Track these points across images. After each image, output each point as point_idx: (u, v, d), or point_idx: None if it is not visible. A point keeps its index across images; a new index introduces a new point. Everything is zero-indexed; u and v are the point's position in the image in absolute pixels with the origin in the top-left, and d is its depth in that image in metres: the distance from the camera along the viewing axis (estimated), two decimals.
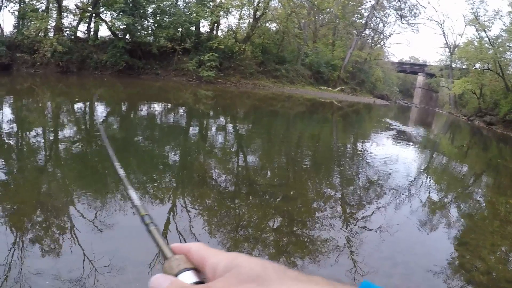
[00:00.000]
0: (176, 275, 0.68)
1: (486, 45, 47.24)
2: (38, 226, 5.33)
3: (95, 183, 7.21)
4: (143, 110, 16.57)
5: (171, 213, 6.28)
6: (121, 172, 1.13)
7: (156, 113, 16.46)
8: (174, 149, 10.71)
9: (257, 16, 39.65)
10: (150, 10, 33.86)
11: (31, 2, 31.64)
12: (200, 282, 0.67)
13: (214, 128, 15.45)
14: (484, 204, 11.11)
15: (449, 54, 66.48)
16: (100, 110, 16.00)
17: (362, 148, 16.65)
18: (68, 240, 4.93)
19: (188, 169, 8.98)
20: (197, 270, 0.71)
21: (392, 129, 24.82)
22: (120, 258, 4.63)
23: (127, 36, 33.24)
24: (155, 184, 7.39)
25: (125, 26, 31.12)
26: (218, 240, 5.60)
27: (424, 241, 7.17)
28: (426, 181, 12.50)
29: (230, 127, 16.14)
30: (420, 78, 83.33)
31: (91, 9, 32.80)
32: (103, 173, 7.80)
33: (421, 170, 14.17)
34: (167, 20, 34.11)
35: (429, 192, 10.99)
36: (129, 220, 5.65)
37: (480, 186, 13.73)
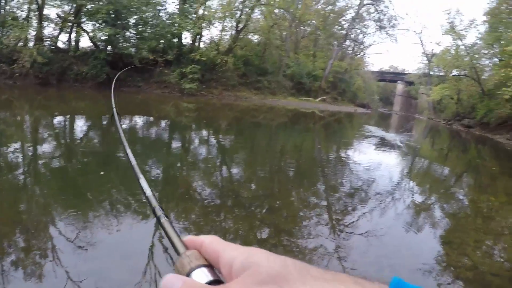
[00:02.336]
0: (188, 273, 0.66)
1: (463, 52, 48.71)
2: (17, 247, 5.23)
3: (77, 201, 7.14)
4: (125, 123, 16.44)
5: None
6: (133, 159, 1.14)
7: (138, 126, 16.33)
8: (156, 164, 10.62)
9: (239, 28, 39.74)
10: (132, 21, 33.58)
11: (11, 10, 31.15)
12: (215, 281, 0.64)
13: (196, 141, 15.36)
14: (466, 203, 11.36)
15: (427, 62, 67.99)
16: (81, 124, 15.87)
17: (345, 156, 16.75)
18: (49, 261, 4.76)
19: (171, 183, 8.95)
20: (211, 266, 0.68)
21: (373, 136, 25.06)
22: (104, 278, 4.54)
23: (109, 48, 32.78)
24: (138, 201, 7.34)
25: (106, 37, 30.80)
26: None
27: (409, 243, 7.27)
28: (409, 185, 12.71)
29: (212, 139, 16.08)
30: (400, 86, 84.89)
31: (72, 18, 32.32)
32: (85, 190, 7.73)
33: (404, 174, 14.36)
34: (149, 31, 33.82)
35: (413, 195, 11.15)
36: (112, 239, 5.61)
37: (462, 186, 14.01)
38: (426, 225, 8.51)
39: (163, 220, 0.82)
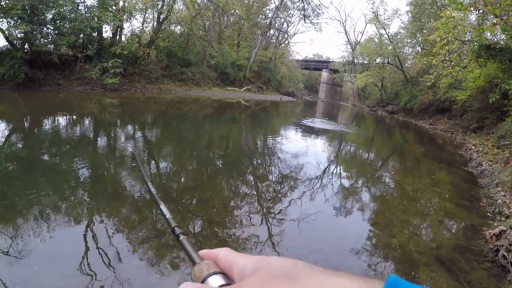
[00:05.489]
0: (205, 278, 0.71)
1: (386, 41, 50.22)
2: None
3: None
4: (47, 125, 15.80)
5: (89, 230, 6.08)
6: (153, 189, 1.28)
7: (60, 126, 15.69)
8: (83, 163, 10.27)
9: (161, 19, 38.95)
10: (49, 16, 31.67)
11: None
12: (228, 285, 0.69)
13: (122, 138, 15.02)
14: (392, 186, 11.79)
15: (351, 50, 69.55)
16: (1, 129, 14.97)
17: (272, 144, 16.92)
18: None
19: (99, 182, 8.69)
20: (226, 274, 0.73)
21: (299, 124, 25.36)
22: (35, 286, 4.36)
23: (26, 46, 30.91)
24: (63, 202, 7.08)
25: (23, 34, 29.11)
26: (141, 253, 5.46)
27: (336, 226, 7.52)
28: (337, 170, 13.08)
29: (138, 134, 15.80)
30: (324, 74, 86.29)
31: None
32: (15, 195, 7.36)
33: (332, 160, 14.72)
34: (67, 26, 32.08)
35: (340, 180, 11.51)
36: (44, 246, 5.35)
37: (388, 169, 14.59)
38: (354, 208, 8.75)
39: (182, 237, 0.91)
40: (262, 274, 0.63)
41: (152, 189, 1.30)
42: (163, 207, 1.18)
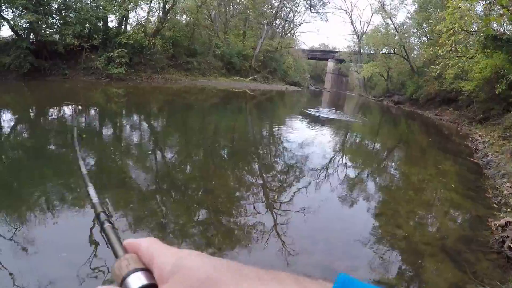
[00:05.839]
0: (124, 277, 0.64)
1: (392, 31, 49.97)
2: None
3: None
4: (53, 114, 15.82)
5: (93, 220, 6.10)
6: (83, 169, 1.23)
7: (66, 116, 15.74)
8: (89, 152, 10.29)
9: (166, 9, 38.78)
10: (55, 6, 31.49)
11: None
12: (150, 285, 0.63)
13: (128, 127, 14.99)
14: (398, 176, 11.78)
15: (357, 40, 69.25)
16: (7, 119, 14.94)
17: (278, 134, 16.94)
18: None
19: (106, 171, 8.71)
20: (147, 270, 0.65)
21: (305, 114, 25.30)
22: (41, 276, 4.31)
23: (31, 35, 30.66)
24: (72, 190, 7.10)
25: (28, 24, 29.09)
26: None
27: (342, 216, 7.51)
28: (342, 160, 13.07)
29: (144, 124, 15.80)
30: (330, 64, 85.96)
31: None
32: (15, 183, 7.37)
33: (338, 150, 14.71)
34: (73, 16, 31.74)
35: (346, 170, 11.51)
36: (48, 234, 5.36)
37: (394, 160, 14.59)
38: (359, 198, 8.75)
39: (106, 225, 0.83)
40: (176, 282, 0.58)
41: (83, 169, 1.24)
42: (91, 190, 1.09)
